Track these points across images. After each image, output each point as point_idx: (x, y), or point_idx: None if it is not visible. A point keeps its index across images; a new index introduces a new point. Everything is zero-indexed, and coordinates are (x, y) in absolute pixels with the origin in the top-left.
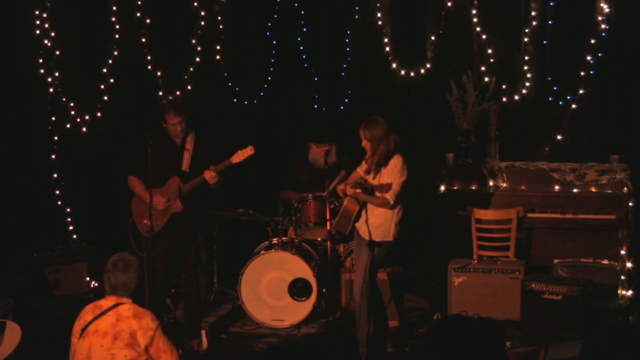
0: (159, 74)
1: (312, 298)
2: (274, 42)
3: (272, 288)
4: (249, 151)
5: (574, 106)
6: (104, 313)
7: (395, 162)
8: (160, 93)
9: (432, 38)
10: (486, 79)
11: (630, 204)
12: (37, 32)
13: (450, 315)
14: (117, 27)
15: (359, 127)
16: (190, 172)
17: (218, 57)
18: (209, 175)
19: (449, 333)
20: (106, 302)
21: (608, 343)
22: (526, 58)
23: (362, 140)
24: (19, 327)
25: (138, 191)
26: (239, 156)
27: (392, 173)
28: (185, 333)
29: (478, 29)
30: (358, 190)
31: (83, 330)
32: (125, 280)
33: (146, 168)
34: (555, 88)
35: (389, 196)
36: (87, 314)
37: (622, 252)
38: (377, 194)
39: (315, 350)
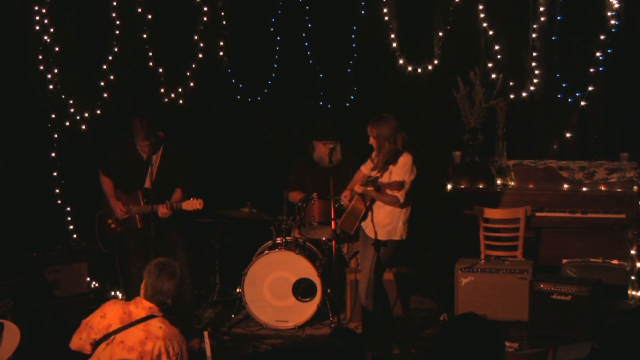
0: (160, 70)
1: (317, 298)
2: (278, 38)
3: (275, 288)
4: (197, 205)
5: (583, 103)
6: (133, 324)
7: (405, 160)
8: (162, 90)
9: (440, 34)
10: (493, 76)
11: None
12: (37, 28)
13: (464, 313)
14: (118, 22)
15: (364, 124)
16: (154, 189)
17: (221, 53)
18: (162, 212)
19: (462, 332)
20: (137, 310)
21: (616, 344)
22: (534, 54)
23: (369, 138)
24: (17, 328)
25: (106, 189)
26: (189, 205)
27: (402, 171)
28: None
29: (485, 24)
30: (370, 188)
31: (107, 336)
32: (170, 287)
33: (117, 173)
34: (564, 85)
35: (400, 194)
36: (114, 319)
37: (632, 251)
38: (387, 191)
39: (319, 351)
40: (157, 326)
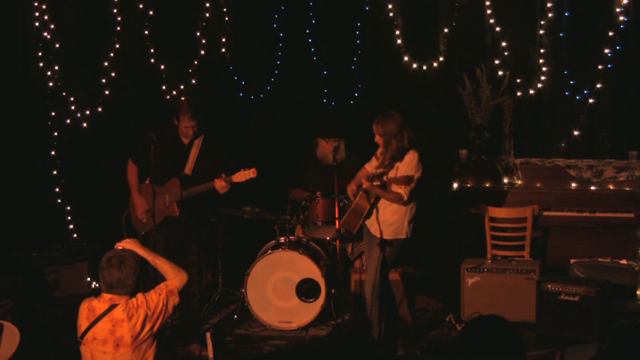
0: (162, 67)
1: (321, 299)
2: (281, 35)
3: (279, 289)
4: (251, 174)
5: (591, 101)
6: (98, 320)
7: (411, 157)
8: (164, 87)
9: (445, 30)
10: (500, 73)
11: None
12: (37, 24)
13: (488, 315)
14: (119, 19)
15: (369, 122)
16: (192, 176)
17: (223, 49)
18: (219, 184)
19: (486, 334)
20: (99, 305)
21: (625, 345)
22: (542, 51)
23: (373, 136)
24: (17, 329)
25: (131, 182)
26: (240, 176)
27: (409, 168)
28: (181, 338)
29: (492, 20)
30: (376, 183)
31: (81, 337)
32: (121, 276)
33: (148, 163)
34: (571, 82)
35: (403, 191)
36: (82, 318)
37: None
38: (393, 187)
39: (323, 352)
40: (120, 311)
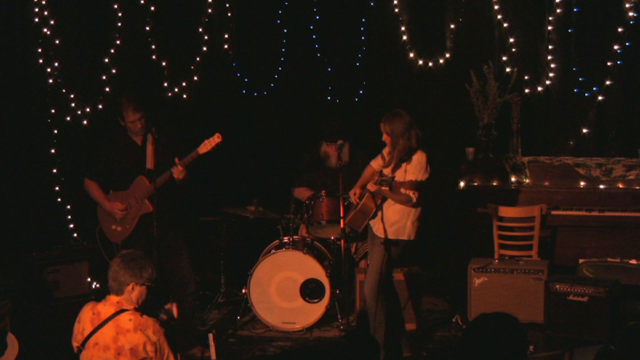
0: (163, 64)
1: (325, 300)
2: (285, 31)
3: (282, 289)
4: (216, 139)
5: (600, 98)
6: (103, 324)
7: (419, 157)
8: (166, 84)
9: (452, 26)
10: (508, 70)
11: None
12: (36, 20)
13: (494, 312)
14: (120, 14)
15: (373, 119)
16: (156, 169)
17: (226, 46)
18: (177, 171)
19: (492, 330)
20: (105, 308)
21: (634, 346)
22: (550, 47)
23: (378, 133)
24: (17, 341)
25: (96, 196)
26: (206, 146)
27: (417, 169)
28: (180, 342)
29: (499, 16)
30: (384, 188)
31: (84, 341)
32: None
33: (109, 174)
34: (580, 79)
35: (412, 193)
36: (86, 322)
37: None
38: (401, 190)
39: (327, 354)
40: (127, 319)
